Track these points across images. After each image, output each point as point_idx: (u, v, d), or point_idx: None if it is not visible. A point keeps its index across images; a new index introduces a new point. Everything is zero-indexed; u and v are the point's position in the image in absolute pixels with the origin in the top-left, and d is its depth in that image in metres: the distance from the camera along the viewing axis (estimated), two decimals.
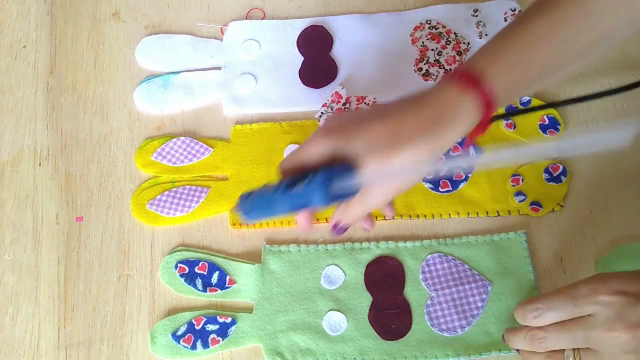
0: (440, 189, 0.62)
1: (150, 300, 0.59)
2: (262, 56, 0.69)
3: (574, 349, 0.49)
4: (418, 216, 0.61)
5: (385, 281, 0.58)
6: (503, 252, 0.59)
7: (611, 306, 0.47)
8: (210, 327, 0.57)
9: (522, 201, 0.61)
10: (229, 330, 0.57)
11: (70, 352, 0.57)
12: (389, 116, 0.46)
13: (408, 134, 0.45)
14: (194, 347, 0.56)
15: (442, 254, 0.59)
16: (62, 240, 0.62)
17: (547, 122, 0.64)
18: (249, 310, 0.58)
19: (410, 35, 0.69)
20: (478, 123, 0.47)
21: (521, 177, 0.62)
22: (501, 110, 0.61)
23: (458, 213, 0.61)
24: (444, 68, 0.67)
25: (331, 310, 0.57)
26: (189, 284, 0.58)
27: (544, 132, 0.64)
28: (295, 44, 0.70)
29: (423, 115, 0.46)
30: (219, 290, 0.58)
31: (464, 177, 0.62)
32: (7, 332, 0.58)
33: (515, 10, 0.68)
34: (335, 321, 0.57)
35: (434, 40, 0.68)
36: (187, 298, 0.59)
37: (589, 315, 0.48)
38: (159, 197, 0.62)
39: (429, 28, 0.69)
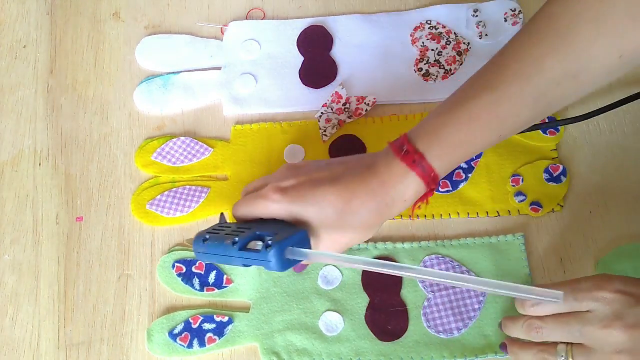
0: (440, 189, 0.62)
1: (150, 300, 0.59)
2: (262, 56, 0.69)
3: (567, 344, 0.49)
4: (418, 216, 0.61)
5: (382, 282, 0.58)
6: (500, 255, 0.59)
7: (610, 304, 0.47)
8: (206, 325, 0.57)
9: (522, 201, 0.61)
10: (225, 330, 0.57)
11: (70, 352, 0.57)
12: (341, 185, 0.49)
13: (357, 206, 0.48)
14: (190, 345, 0.56)
15: (439, 256, 0.59)
16: (62, 240, 0.62)
17: (547, 122, 0.64)
18: (246, 309, 0.58)
19: (410, 36, 0.69)
20: (425, 193, 0.49)
21: (521, 177, 0.62)
22: None
23: (458, 213, 0.61)
24: (444, 68, 0.67)
25: (328, 310, 0.57)
26: (186, 284, 0.58)
27: (544, 132, 0.64)
28: (295, 44, 0.70)
29: (371, 188, 0.48)
30: (216, 290, 0.58)
31: (463, 177, 0.62)
32: (7, 332, 0.58)
33: (515, 10, 0.68)
34: (331, 321, 0.57)
35: (434, 40, 0.68)
36: (186, 298, 0.59)
37: (587, 310, 0.48)
38: (159, 197, 0.62)
39: (429, 28, 0.69)
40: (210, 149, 0.65)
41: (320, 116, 0.66)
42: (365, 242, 0.60)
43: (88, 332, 0.58)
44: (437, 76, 0.67)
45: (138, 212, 0.62)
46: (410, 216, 0.61)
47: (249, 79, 0.68)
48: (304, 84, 0.68)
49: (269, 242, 0.46)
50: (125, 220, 0.62)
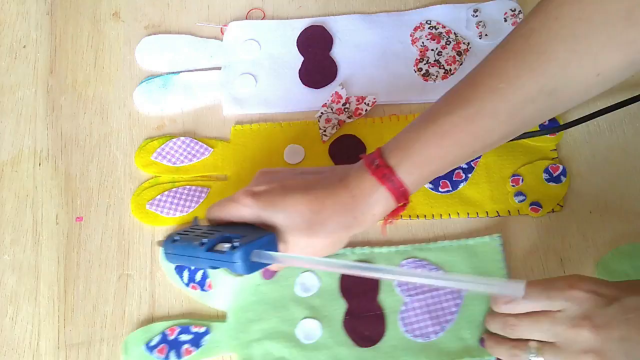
0: (440, 189, 0.62)
1: (151, 300, 0.59)
2: (262, 56, 0.69)
3: (540, 341, 0.49)
4: (418, 216, 0.61)
5: (359, 287, 0.58)
6: (477, 257, 0.59)
7: (581, 303, 0.47)
8: (183, 337, 0.56)
9: (522, 201, 0.61)
10: (202, 340, 0.56)
11: (70, 352, 0.57)
12: (312, 195, 0.49)
13: (325, 218, 0.48)
14: (167, 358, 0.55)
15: (416, 259, 0.59)
16: (62, 240, 0.62)
17: (546, 122, 0.64)
18: (223, 319, 0.57)
19: (410, 36, 0.69)
20: (395, 209, 0.49)
21: (521, 178, 0.62)
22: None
23: (458, 213, 0.61)
24: (444, 68, 0.67)
25: (306, 317, 0.57)
26: (177, 273, 0.58)
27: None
28: (295, 44, 0.70)
29: (341, 200, 0.48)
30: (199, 290, 0.58)
31: (463, 177, 0.62)
32: (7, 332, 0.58)
33: (515, 10, 0.68)
34: (309, 329, 0.56)
35: (434, 40, 0.68)
36: (180, 300, 0.58)
37: (559, 310, 0.48)
38: (158, 197, 0.62)
39: (429, 28, 0.69)
40: (210, 149, 0.65)
41: (320, 116, 0.66)
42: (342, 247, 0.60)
43: (88, 332, 0.58)
44: (437, 76, 0.67)
45: (138, 212, 0.62)
46: (410, 216, 0.61)
47: (249, 79, 0.68)
48: (304, 84, 0.68)
49: (236, 244, 0.46)
50: (125, 220, 0.62)
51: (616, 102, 0.61)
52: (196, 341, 0.56)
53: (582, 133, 0.64)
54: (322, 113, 0.66)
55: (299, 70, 0.68)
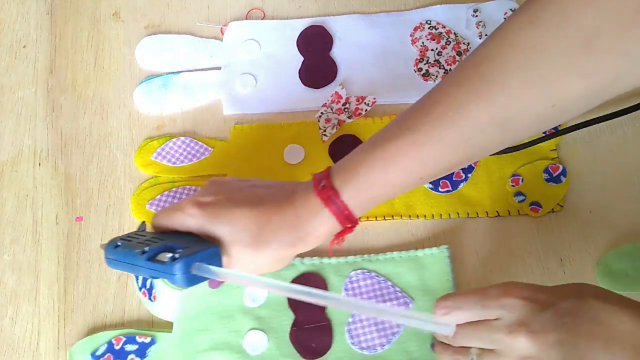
0: (440, 189, 0.62)
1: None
2: (262, 56, 0.69)
3: (481, 348, 0.49)
4: (418, 216, 0.61)
5: None
6: (425, 269, 0.58)
7: (516, 310, 0.47)
8: (129, 347, 0.56)
9: (521, 201, 0.61)
10: (147, 351, 0.56)
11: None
12: (259, 210, 0.48)
13: (270, 234, 0.48)
14: None
15: (365, 270, 0.58)
16: (62, 240, 0.62)
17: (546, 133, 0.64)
18: (169, 329, 0.57)
19: (410, 36, 0.69)
20: (339, 231, 0.49)
21: (521, 177, 0.62)
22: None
23: (458, 213, 0.61)
24: (443, 68, 0.67)
25: (252, 329, 0.56)
26: (135, 276, 0.58)
27: (544, 132, 0.63)
28: (295, 44, 0.70)
29: (286, 218, 0.48)
30: (147, 297, 0.57)
31: (463, 177, 0.62)
32: (6, 332, 0.58)
33: (515, 10, 0.68)
34: (255, 340, 0.56)
35: (434, 40, 0.68)
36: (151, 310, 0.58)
37: (496, 318, 0.48)
38: (158, 197, 0.62)
39: (429, 28, 0.69)
40: (210, 149, 0.65)
41: (320, 116, 0.66)
42: (287, 264, 0.59)
43: (88, 332, 0.58)
44: (437, 76, 0.67)
45: (138, 212, 0.62)
46: (410, 216, 0.61)
47: (249, 79, 0.68)
48: (304, 84, 0.68)
49: (177, 255, 0.45)
50: (125, 220, 0.62)
51: (616, 110, 0.61)
52: (142, 351, 0.55)
53: (582, 133, 0.64)
54: (322, 113, 0.66)
55: (299, 70, 0.68)
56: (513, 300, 0.47)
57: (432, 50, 0.68)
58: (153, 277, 0.48)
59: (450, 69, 0.67)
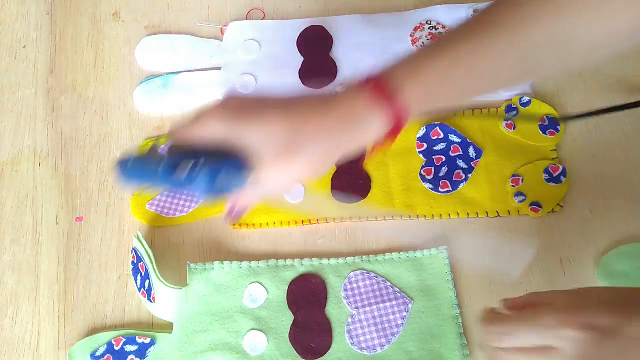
0: (440, 189, 0.62)
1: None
2: (262, 56, 0.69)
3: None
4: (418, 216, 0.61)
5: (307, 299, 0.57)
6: (424, 269, 0.59)
7: (578, 342, 0.41)
8: (128, 347, 0.56)
9: (521, 201, 0.61)
10: (147, 351, 0.56)
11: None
12: (293, 111, 0.44)
13: (309, 135, 0.43)
14: None
15: (364, 271, 0.59)
16: (62, 240, 0.62)
17: (546, 122, 0.64)
18: (169, 329, 0.57)
19: (410, 36, 0.69)
20: (386, 134, 0.45)
21: (521, 178, 0.62)
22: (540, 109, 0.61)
23: (458, 213, 0.61)
24: None
25: (252, 329, 0.56)
26: (133, 274, 0.59)
27: (544, 132, 0.64)
28: (295, 44, 0.70)
29: (328, 118, 0.44)
30: (145, 298, 0.57)
31: (463, 177, 0.62)
32: (6, 332, 0.58)
33: None
34: (255, 341, 0.56)
35: (434, 40, 0.68)
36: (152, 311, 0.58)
37: (552, 347, 0.43)
38: (158, 197, 0.62)
39: (429, 28, 0.69)
40: None
41: None
42: (290, 258, 0.59)
43: (88, 332, 0.58)
44: None
45: (138, 212, 0.62)
46: (410, 216, 0.61)
47: (249, 79, 0.68)
48: (304, 84, 0.68)
49: (200, 164, 0.41)
50: (125, 220, 0.62)
51: (629, 102, 0.61)
52: (141, 352, 0.55)
53: (582, 133, 0.64)
54: None
55: (299, 70, 0.68)
56: (571, 332, 0.41)
57: None
58: (173, 189, 0.43)
59: None
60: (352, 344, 0.56)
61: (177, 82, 0.68)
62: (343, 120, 0.44)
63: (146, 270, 0.57)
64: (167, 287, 0.56)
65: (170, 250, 0.61)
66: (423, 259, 0.59)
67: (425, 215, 0.61)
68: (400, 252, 0.59)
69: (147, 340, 0.56)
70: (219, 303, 0.57)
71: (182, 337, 0.56)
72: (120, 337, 0.56)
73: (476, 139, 0.64)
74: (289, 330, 0.56)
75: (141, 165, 0.44)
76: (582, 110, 0.65)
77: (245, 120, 0.43)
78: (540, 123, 0.64)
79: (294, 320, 0.57)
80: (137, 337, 0.56)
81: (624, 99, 0.64)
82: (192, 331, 0.56)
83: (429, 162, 0.63)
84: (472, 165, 0.63)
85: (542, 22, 0.44)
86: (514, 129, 0.64)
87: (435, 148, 0.63)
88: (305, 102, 0.45)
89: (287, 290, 0.58)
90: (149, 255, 0.56)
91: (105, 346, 0.56)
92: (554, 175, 0.62)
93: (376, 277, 0.58)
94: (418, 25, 0.69)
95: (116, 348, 0.56)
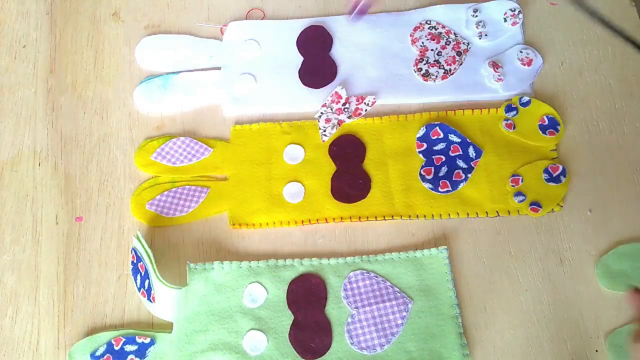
0: (440, 189, 0.62)
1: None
2: (262, 56, 0.69)
3: None
4: (418, 216, 0.61)
5: (307, 299, 0.57)
6: (424, 269, 0.59)
7: None
8: (128, 347, 0.56)
9: (521, 201, 0.61)
10: (147, 351, 0.56)
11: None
12: None
13: None
14: None
15: (364, 271, 0.59)
16: (62, 240, 0.62)
17: (546, 122, 0.64)
18: (169, 329, 0.57)
19: (410, 36, 0.69)
20: None
21: (521, 178, 0.62)
22: None
23: (458, 213, 0.61)
24: (443, 68, 0.67)
25: (252, 329, 0.56)
26: (133, 274, 0.58)
27: (544, 132, 0.64)
28: (295, 44, 0.70)
29: None
30: (146, 298, 0.57)
31: (463, 177, 0.62)
32: (6, 332, 0.58)
33: (515, 10, 0.68)
34: (255, 341, 0.56)
35: (433, 40, 0.68)
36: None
37: None
38: (158, 197, 0.62)
39: (428, 28, 0.69)
40: (210, 149, 0.65)
41: (320, 116, 0.66)
42: (290, 258, 0.59)
43: (88, 332, 0.58)
44: (437, 76, 0.67)
45: (138, 212, 0.62)
46: (410, 216, 0.61)
47: (249, 79, 0.68)
48: (303, 84, 0.68)
49: None
50: (125, 221, 0.62)
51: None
52: (141, 352, 0.56)
53: (581, 133, 0.64)
54: (322, 113, 0.66)
55: (299, 70, 0.68)
56: None
57: (432, 50, 0.68)
58: None
59: (450, 69, 0.67)
60: (352, 344, 0.56)
61: (177, 82, 0.68)
62: None
63: (146, 270, 0.57)
64: (167, 287, 0.56)
65: (170, 250, 0.61)
66: (423, 259, 0.59)
67: (425, 215, 0.61)
68: (400, 252, 0.59)
69: (147, 340, 0.56)
70: (219, 303, 0.57)
71: (182, 337, 0.56)
72: (120, 337, 0.56)
73: (476, 139, 0.64)
74: (289, 330, 0.56)
75: None
76: (582, 109, 0.65)
77: None
78: (540, 123, 0.64)
79: (294, 320, 0.57)
80: (137, 337, 0.56)
81: (623, 99, 0.65)
82: (192, 331, 0.56)
83: (429, 162, 0.63)
84: (472, 165, 0.63)
85: None
86: (514, 129, 0.64)
87: (435, 148, 0.63)
88: None
89: (287, 290, 0.58)
90: (148, 255, 0.56)
91: (105, 346, 0.56)
92: (554, 175, 0.62)
93: (376, 277, 0.58)
94: (418, 25, 0.69)
95: (116, 348, 0.56)
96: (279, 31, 0.70)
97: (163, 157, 0.64)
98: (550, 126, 0.64)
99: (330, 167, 0.64)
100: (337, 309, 0.57)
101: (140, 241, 0.57)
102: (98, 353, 0.56)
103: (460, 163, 0.63)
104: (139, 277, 0.58)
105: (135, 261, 0.58)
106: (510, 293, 0.58)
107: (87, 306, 0.59)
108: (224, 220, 0.62)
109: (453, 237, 0.61)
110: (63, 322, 0.58)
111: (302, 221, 0.61)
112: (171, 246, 0.61)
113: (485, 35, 0.68)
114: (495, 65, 0.66)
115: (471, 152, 0.63)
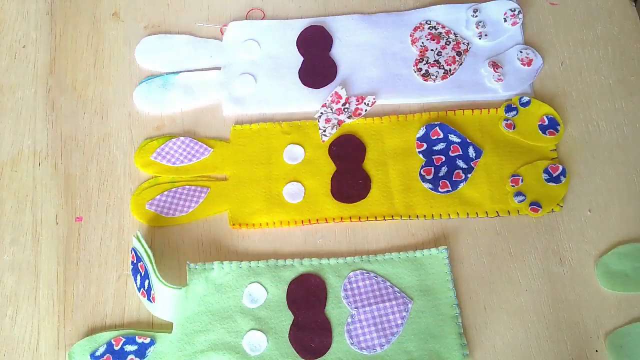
0: (440, 189, 0.62)
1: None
2: (262, 56, 0.69)
3: None
4: (418, 216, 0.61)
5: (307, 299, 0.57)
6: (424, 269, 0.59)
7: None
8: (128, 347, 0.56)
9: (521, 201, 0.61)
10: (147, 351, 0.56)
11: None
12: None
13: None
14: None
15: (364, 271, 0.59)
16: (62, 240, 0.62)
17: (546, 122, 0.64)
18: (169, 329, 0.57)
19: (410, 36, 0.69)
20: None
21: (520, 178, 0.62)
22: None
23: (458, 213, 0.61)
24: (443, 68, 0.67)
25: (252, 329, 0.56)
26: (133, 274, 0.58)
27: (544, 132, 0.64)
28: (295, 44, 0.70)
29: None
30: (146, 298, 0.57)
31: (463, 177, 0.62)
32: (6, 332, 0.58)
33: (515, 10, 0.68)
34: (255, 341, 0.56)
35: (433, 40, 0.68)
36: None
37: None
38: (158, 197, 0.62)
39: (428, 28, 0.69)
40: (210, 149, 0.65)
41: (320, 116, 0.66)
42: (290, 258, 0.59)
43: (88, 332, 0.58)
44: (437, 76, 0.67)
45: (138, 212, 0.62)
46: (409, 216, 0.61)
47: (249, 79, 0.68)
48: (303, 84, 0.68)
49: None
50: (125, 221, 0.62)
51: None
52: (141, 352, 0.55)
53: (581, 133, 0.64)
54: (321, 113, 0.66)
55: (299, 70, 0.68)
56: None
57: (431, 50, 0.68)
58: None
59: (450, 69, 0.67)
60: (352, 344, 0.56)
61: (177, 82, 0.68)
62: None
63: (146, 270, 0.57)
64: (167, 287, 0.56)
65: (170, 250, 0.61)
66: (423, 259, 0.59)
67: (425, 215, 0.61)
68: (400, 252, 0.59)
69: (147, 340, 0.56)
70: (219, 303, 0.57)
71: (182, 337, 0.56)
72: (120, 337, 0.56)
73: (476, 139, 0.64)
74: (288, 330, 0.56)
75: None
76: (582, 109, 0.65)
77: None
78: (540, 123, 0.64)
79: (293, 320, 0.57)
80: (137, 337, 0.56)
81: (623, 99, 0.65)
82: (192, 331, 0.56)
83: (428, 162, 0.63)
84: (472, 165, 0.63)
85: None
86: (514, 129, 0.64)
87: (435, 148, 0.64)
88: None
89: (287, 290, 0.58)
90: (148, 255, 0.56)
91: (105, 346, 0.56)
92: (554, 175, 0.62)
93: (376, 277, 0.58)
94: (418, 25, 0.69)
95: (116, 348, 0.56)
96: (279, 31, 0.70)
97: (163, 157, 0.64)
98: (550, 126, 0.64)
99: (330, 167, 0.64)
100: (337, 309, 0.57)
101: (140, 241, 0.57)
102: (98, 353, 0.56)
103: (460, 163, 0.63)
104: (138, 277, 0.58)
105: (135, 261, 0.58)
106: (510, 293, 0.58)
107: (87, 306, 0.59)
108: (224, 220, 0.62)
109: (453, 237, 0.61)
110: (63, 322, 0.58)
111: (302, 221, 0.61)
112: (171, 246, 0.61)
113: (485, 35, 0.68)
114: (495, 65, 0.66)
115: (471, 152, 0.63)
